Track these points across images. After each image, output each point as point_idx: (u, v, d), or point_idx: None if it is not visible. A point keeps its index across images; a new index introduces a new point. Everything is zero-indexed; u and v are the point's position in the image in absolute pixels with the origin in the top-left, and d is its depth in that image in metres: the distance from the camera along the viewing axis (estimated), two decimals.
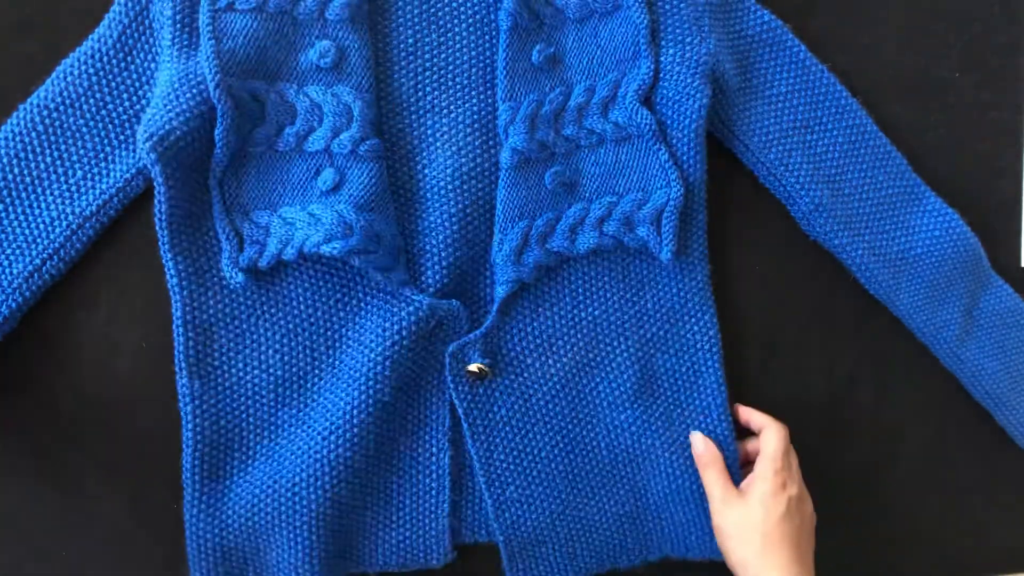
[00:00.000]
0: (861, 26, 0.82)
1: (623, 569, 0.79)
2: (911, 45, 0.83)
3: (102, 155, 0.72)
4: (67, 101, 0.72)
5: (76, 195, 0.72)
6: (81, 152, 0.72)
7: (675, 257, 0.75)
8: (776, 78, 0.77)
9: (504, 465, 0.76)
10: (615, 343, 0.77)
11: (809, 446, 0.78)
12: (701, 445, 0.75)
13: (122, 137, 0.72)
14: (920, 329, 0.81)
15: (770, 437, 0.74)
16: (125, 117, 0.72)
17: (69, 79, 0.72)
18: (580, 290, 0.76)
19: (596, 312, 0.76)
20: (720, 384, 0.77)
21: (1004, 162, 0.85)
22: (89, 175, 0.72)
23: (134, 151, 0.72)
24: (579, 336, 0.76)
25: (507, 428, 0.75)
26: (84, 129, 0.72)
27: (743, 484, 0.73)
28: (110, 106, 0.72)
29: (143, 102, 0.72)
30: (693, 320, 0.77)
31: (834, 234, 0.78)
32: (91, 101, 0.72)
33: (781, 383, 0.82)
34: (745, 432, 0.79)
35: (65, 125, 0.72)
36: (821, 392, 0.83)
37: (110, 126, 0.72)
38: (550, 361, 0.76)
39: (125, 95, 0.72)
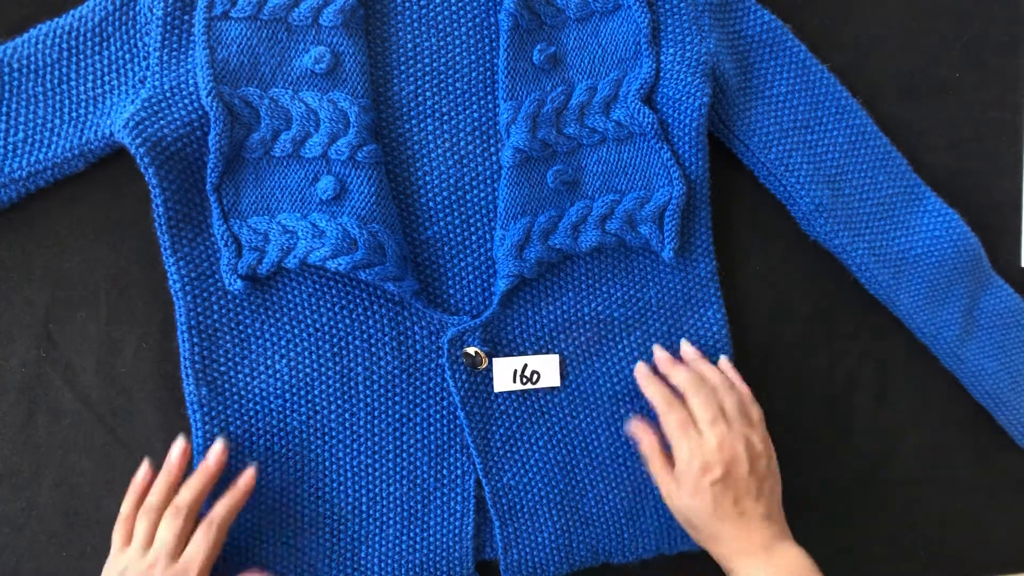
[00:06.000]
0: (861, 26, 0.82)
1: (615, 564, 0.79)
2: (911, 45, 0.83)
3: (49, 126, 0.71)
4: (31, 66, 0.71)
5: (11, 155, 0.71)
6: (29, 117, 0.71)
7: (678, 253, 0.75)
8: (776, 78, 0.77)
9: (501, 452, 0.75)
10: (618, 338, 0.77)
11: (809, 446, 0.78)
12: (640, 433, 0.72)
13: (75, 114, 0.71)
14: (920, 329, 0.81)
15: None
16: (84, 97, 0.71)
17: (39, 47, 0.71)
18: (583, 285, 0.76)
19: (598, 307, 0.76)
20: None
21: (1004, 162, 0.85)
22: (30, 140, 0.71)
23: (82, 131, 0.71)
24: (580, 331, 0.76)
25: (504, 417, 0.75)
26: (40, 97, 0.71)
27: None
28: (72, 83, 0.71)
29: (107, 87, 0.71)
30: (698, 315, 0.77)
31: (834, 234, 0.78)
32: (55, 73, 0.71)
33: (781, 383, 0.82)
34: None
35: (22, 87, 0.71)
36: (821, 392, 0.83)
37: (66, 101, 0.71)
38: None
39: (91, 77, 0.71)
